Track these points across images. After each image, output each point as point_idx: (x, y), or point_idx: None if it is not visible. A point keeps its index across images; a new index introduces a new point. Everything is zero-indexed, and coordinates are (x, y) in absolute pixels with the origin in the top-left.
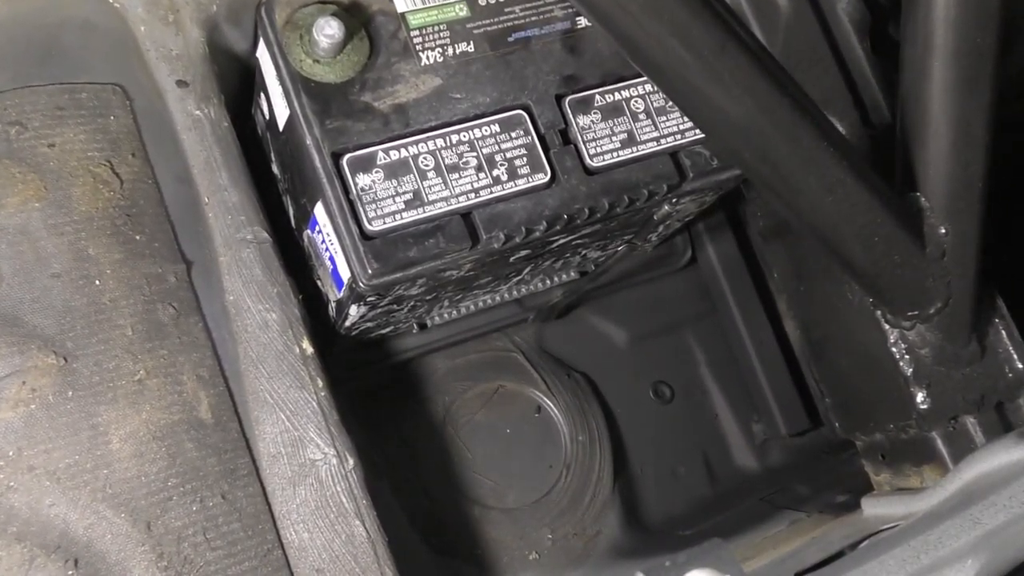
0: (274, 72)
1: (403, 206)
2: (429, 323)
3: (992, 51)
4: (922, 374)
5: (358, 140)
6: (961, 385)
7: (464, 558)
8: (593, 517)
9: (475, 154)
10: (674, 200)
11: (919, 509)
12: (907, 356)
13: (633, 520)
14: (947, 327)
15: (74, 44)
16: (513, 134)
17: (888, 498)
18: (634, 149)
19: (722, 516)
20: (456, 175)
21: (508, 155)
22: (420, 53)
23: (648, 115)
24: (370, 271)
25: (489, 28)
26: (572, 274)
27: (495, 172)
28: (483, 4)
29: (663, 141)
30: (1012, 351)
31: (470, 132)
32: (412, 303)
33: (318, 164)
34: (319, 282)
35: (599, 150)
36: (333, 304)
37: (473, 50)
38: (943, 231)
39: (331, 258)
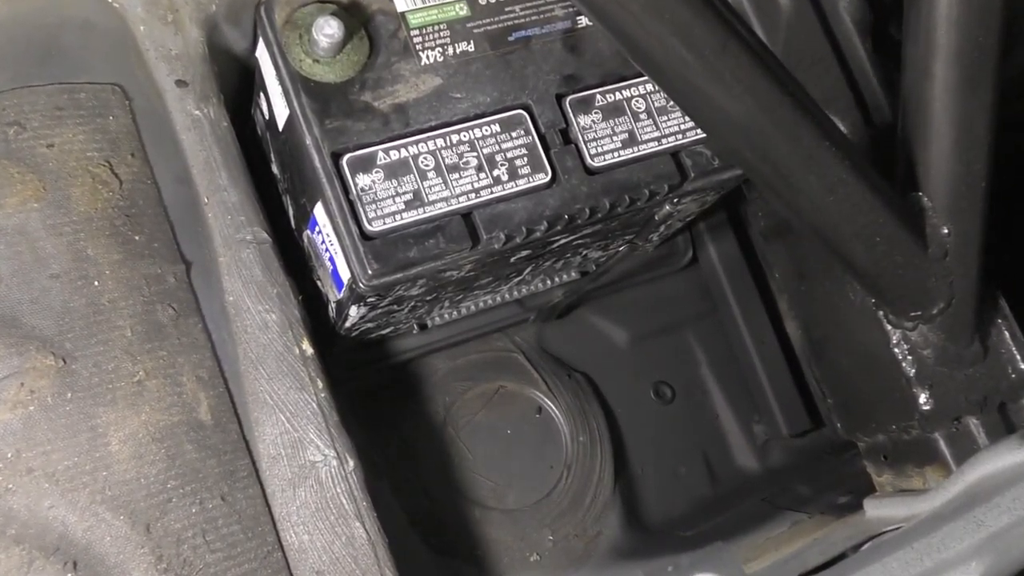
0: (273, 72)
1: (403, 206)
2: (429, 323)
3: (994, 50)
4: (924, 375)
5: (358, 140)
6: (964, 386)
7: (464, 559)
8: (594, 518)
9: (475, 154)
10: (675, 200)
11: (922, 511)
12: (909, 357)
13: (634, 521)
14: (949, 327)
15: (73, 44)
16: (513, 134)
17: (890, 499)
18: (635, 149)
19: (723, 517)
20: (456, 175)
21: (508, 155)
22: (420, 53)
23: (649, 115)
24: (370, 271)
25: (489, 27)
26: (573, 274)
27: (495, 172)
28: (483, 3)
29: (664, 141)
30: (1015, 352)
31: (470, 132)
32: (412, 303)
33: (318, 164)
34: (319, 283)
35: (600, 150)
36: (333, 305)
37: (473, 49)
38: (945, 231)
39: (331, 258)
